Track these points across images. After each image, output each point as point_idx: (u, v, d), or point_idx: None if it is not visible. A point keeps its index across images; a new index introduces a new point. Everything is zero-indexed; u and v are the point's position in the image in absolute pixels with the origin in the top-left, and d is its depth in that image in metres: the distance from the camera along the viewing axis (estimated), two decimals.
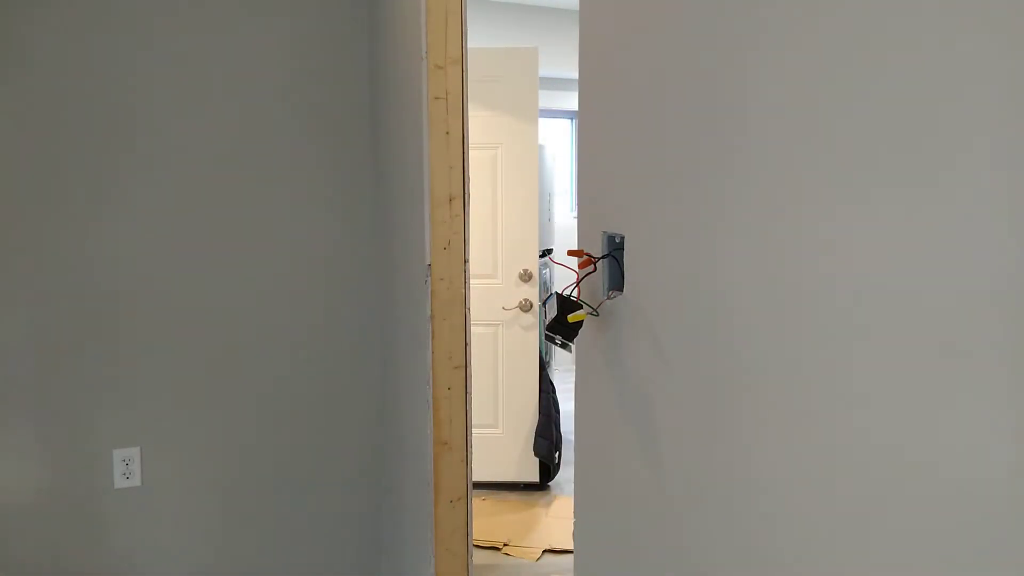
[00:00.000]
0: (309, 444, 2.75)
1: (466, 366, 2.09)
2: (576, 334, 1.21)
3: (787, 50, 0.75)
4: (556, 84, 6.03)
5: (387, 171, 2.54)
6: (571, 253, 1.22)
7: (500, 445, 3.92)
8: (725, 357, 0.87)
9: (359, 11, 2.70)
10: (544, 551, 3.32)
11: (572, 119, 6.62)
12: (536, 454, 3.89)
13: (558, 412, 4.00)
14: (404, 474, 2.42)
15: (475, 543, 3.31)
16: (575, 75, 3.84)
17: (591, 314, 1.20)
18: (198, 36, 2.52)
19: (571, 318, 1.17)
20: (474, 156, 3.56)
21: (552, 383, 4.03)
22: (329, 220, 2.72)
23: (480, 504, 3.76)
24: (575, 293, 1.21)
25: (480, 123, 3.71)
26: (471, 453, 2.12)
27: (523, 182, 3.82)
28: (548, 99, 5.97)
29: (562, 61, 5.29)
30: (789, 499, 0.77)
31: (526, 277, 3.85)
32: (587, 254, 1.20)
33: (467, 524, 2.12)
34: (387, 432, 2.73)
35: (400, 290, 2.40)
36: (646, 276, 1.06)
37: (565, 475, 4.04)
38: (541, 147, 4.01)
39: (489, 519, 3.60)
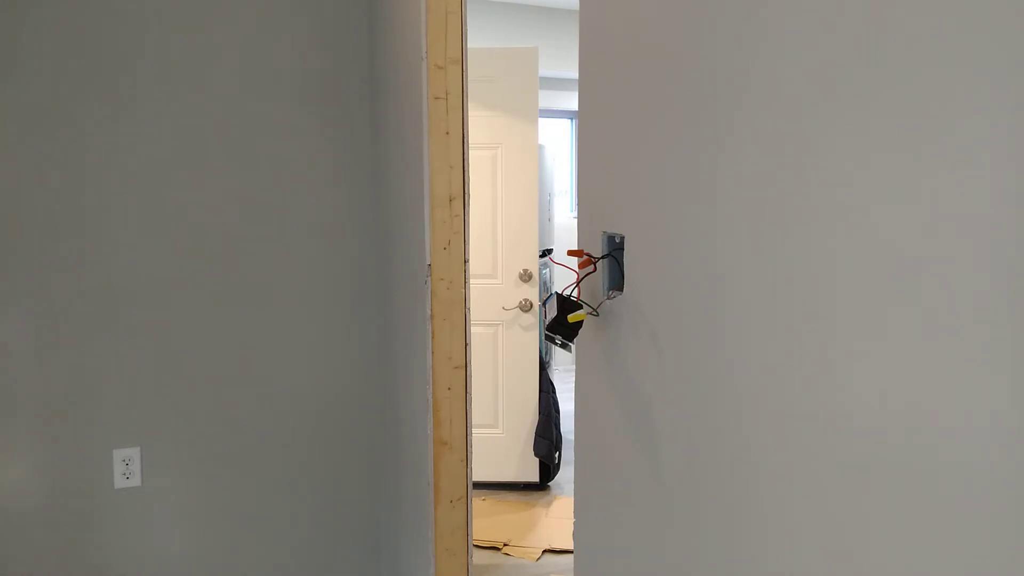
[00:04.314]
0: (309, 444, 2.74)
1: (466, 366, 2.09)
2: (576, 334, 1.21)
3: (786, 53, 0.75)
4: (556, 84, 6.03)
5: (387, 171, 2.54)
6: (571, 253, 1.22)
7: (500, 445, 3.92)
8: (724, 357, 0.87)
9: (359, 11, 2.70)
10: (544, 551, 3.31)
11: (572, 119, 6.62)
12: (536, 454, 3.89)
13: (558, 412, 4.00)
14: (404, 474, 2.42)
15: (475, 543, 3.31)
16: (575, 75, 3.84)
17: (591, 314, 1.20)
18: (196, 36, 2.52)
19: (571, 318, 1.17)
20: (474, 156, 3.56)
21: (552, 383, 4.03)
22: (329, 220, 2.72)
23: (480, 504, 3.76)
24: (575, 293, 1.21)
25: (480, 123, 3.71)
26: (471, 453, 2.12)
27: (523, 182, 3.82)
28: (548, 99, 5.97)
29: (562, 61, 5.29)
30: (788, 498, 0.77)
31: (526, 277, 3.85)
32: (587, 254, 1.20)
33: (467, 524, 2.12)
34: (387, 432, 2.73)
35: (400, 290, 2.40)
36: (646, 276, 1.06)
37: (565, 475, 4.04)
38: (541, 147, 4.01)
39: (489, 519, 3.60)
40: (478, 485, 3.86)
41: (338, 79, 2.69)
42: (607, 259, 1.18)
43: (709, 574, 0.92)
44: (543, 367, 3.97)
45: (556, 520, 3.59)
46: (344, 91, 2.71)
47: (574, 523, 1.35)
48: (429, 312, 2.03)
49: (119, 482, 2.51)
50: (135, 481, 2.53)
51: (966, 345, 0.56)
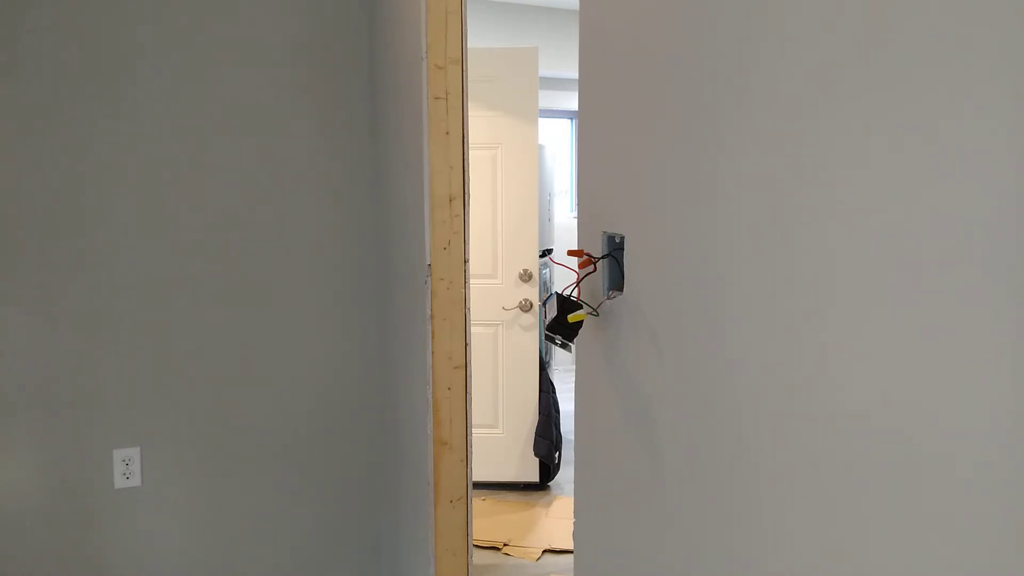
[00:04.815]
0: (309, 444, 2.74)
1: (466, 366, 2.09)
2: (576, 334, 1.21)
3: (786, 53, 0.75)
4: (556, 84, 6.03)
5: (387, 171, 2.54)
6: (571, 253, 1.22)
7: (500, 445, 3.92)
8: (724, 357, 0.87)
9: (359, 11, 2.70)
10: (544, 551, 3.31)
11: (572, 119, 6.62)
12: (536, 454, 3.89)
13: (558, 412, 4.00)
14: (404, 474, 2.42)
15: (475, 543, 3.31)
16: (575, 75, 3.84)
17: (591, 314, 1.20)
18: (196, 36, 2.51)
19: (571, 318, 1.17)
20: (474, 156, 3.56)
21: (552, 383, 4.03)
22: (329, 220, 2.72)
23: (480, 504, 3.76)
24: (575, 293, 1.21)
25: (480, 123, 3.71)
26: (471, 453, 2.12)
27: (523, 182, 3.82)
28: (548, 99, 5.97)
29: (562, 61, 5.29)
30: (787, 498, 0.77)
31: (526, 277, 3.85)
32: (587, 254, 1.20)
33: (467, 524, 2.12)
34: (387, 432, 2.73)
35: (400, 290, 2.40)
36: (646, 276, 1.06)
37: (565, 475, 4.04)
38: (541, 147, 4.01)
39: (489, 519, 3.60)
40: (478, 485, 3.86)
41: (338, 79, 2.69)
42: (607, 259, 1.18)
43: (709, 574, 0.92)
44: (543, 367, 3.97)
45: (556, 520, 3.59)
46: (344, 91, 2.71)
47: (574, 523, 1.35)
48: (429, 312, 2.03)
49: (119, 482, 2.51)
50: (135, 481, 2.53)
51: (967, 346, 0.56)
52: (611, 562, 1.20)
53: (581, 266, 1.20)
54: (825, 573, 0.72)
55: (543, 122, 6.08)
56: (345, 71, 2.70)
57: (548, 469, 3.96)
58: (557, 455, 3.96)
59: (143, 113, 2.47)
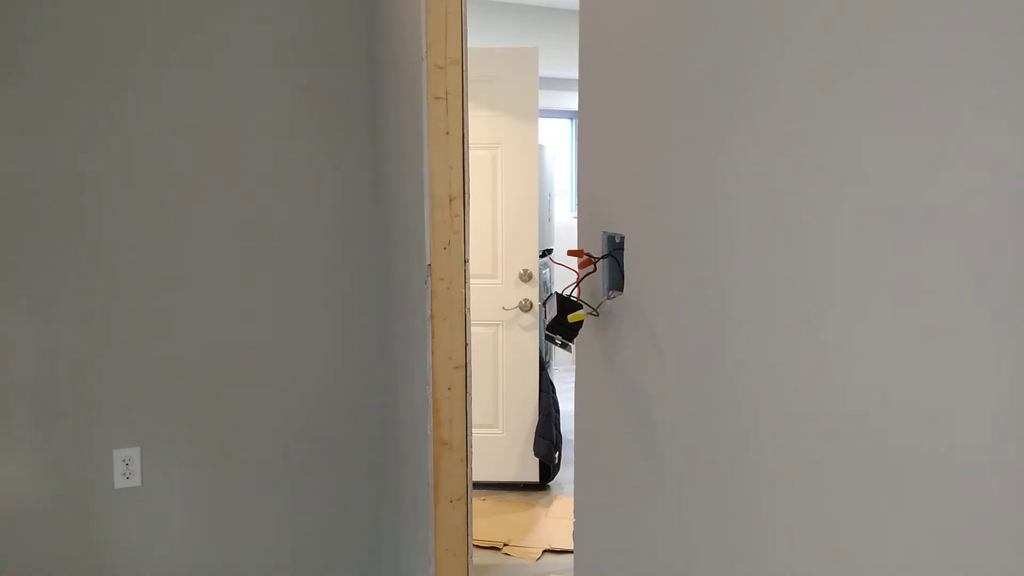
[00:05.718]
0: (309, 444, 2.74)
1: (466, 366, 2.09)
2: (576, 334, 1.21)
3: (787, 53, 0.75)
4: (556, 84, 6.03)
5: (387, 171, 2.54)
6: (571, 253, 1.22)
7: (500, 445, 3.92)
8: (724, 357, 0.87)
9: (359, 11, 2.70)
10: (544, 551, 3.31)
11: (572, 119, 6.62)
12: (536, 454, 3.89)
13: (558, 412, 4.00)
14: (404, 474, 2.42)
15: (475, 543, 3.31)
16: (575, 75, 3.84)
17: (591, 314, 1.20)
18: (197, 36, 2.51)
19: (571, 318, 1.17)
20: (474, 156, 3.56)
21: (552, 383, 4.03)
22: (329, 220, 2.72)
23: (480, 504, 3.76)
24: (575, 293, 1.21)
25: (480, 123, 3.71)
26: (471, 453, 2.12)
27: (523, 182, 3.82)
28: (548, 99, 5.97)
29: (562, 61, 5.29)
30: (787, 498, 0.77)
31: (526, 277, 3.85)
32: (587, 254, 1.20)
33: (467, 524, 2.12)
34: (387, 432, 2.73)
35: (400, 290, 2.40)
36: (646, 276, 1.06)
37: (565, 475, 4.04)
38: (541, 147, 4.01)
39: (489, 519, 3.60)
40: (478, 485, 3.86)
41: (338, 80, 2.69)
42: (607, 259, 1.18)
43: (709, 574, 0.92)
44: (543, 367, 3.97)
45: (556, 520, 3.59)
46: (344, 91, 2.70)
47: (574, 523, 1.35)
48: (429, 312, 2.03)
49: (119, 482, 2.51)
50: (135, 481, 2.53)
51: (967, 346, 0.56)
52: (611, 562, 1.20)
53: (581, 266, 1.20)
54: (825, 573, 0.72)
55: (543, 122, 6.07)
56: (345, 71, 2.70)
57: (548, 469, 3.96)
58: (557, 455, 3.96)
59: (142, 113, 2.47)
